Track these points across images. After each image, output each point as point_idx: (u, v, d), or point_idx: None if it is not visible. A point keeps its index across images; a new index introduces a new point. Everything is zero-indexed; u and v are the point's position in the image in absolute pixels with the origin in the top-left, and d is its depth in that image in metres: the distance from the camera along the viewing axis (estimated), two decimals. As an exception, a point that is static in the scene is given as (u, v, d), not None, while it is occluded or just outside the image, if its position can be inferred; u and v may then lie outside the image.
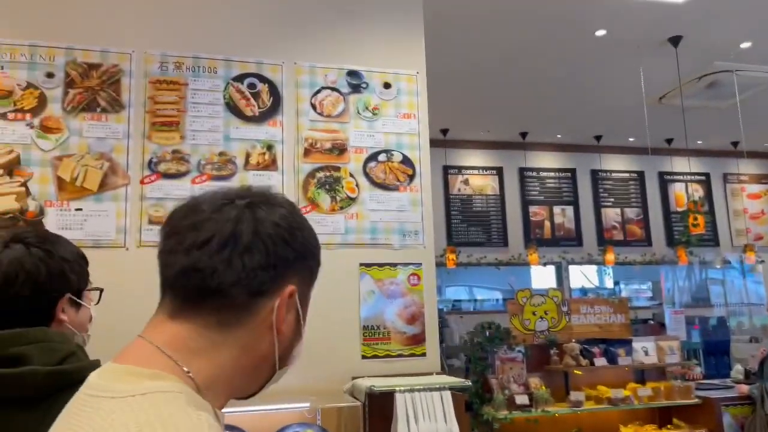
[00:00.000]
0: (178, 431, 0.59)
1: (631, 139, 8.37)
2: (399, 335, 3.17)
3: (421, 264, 3.28)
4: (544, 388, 4.57)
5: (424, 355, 3.19)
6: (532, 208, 8.38)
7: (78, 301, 1.26)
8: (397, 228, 3.28)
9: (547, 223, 8.41)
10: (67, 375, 1.08)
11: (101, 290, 1.42)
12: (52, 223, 2.83)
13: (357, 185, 3.26)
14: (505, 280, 8.62)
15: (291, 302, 0.76)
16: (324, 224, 3.18)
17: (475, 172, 8.29)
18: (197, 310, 0.70)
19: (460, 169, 8.21)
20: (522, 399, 4.35)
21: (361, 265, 3.19)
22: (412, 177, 3.35)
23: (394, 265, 3.24)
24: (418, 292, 3.24)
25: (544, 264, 8.18)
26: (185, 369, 0.67)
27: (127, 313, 2.84)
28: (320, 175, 3.22)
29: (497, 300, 8.55)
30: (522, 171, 8.45)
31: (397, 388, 2.66)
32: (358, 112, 3.34)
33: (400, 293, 3.21)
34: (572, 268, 8.45)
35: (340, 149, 3.27)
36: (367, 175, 3.29)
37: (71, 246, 1.27)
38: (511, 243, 8.21)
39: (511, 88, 6.42)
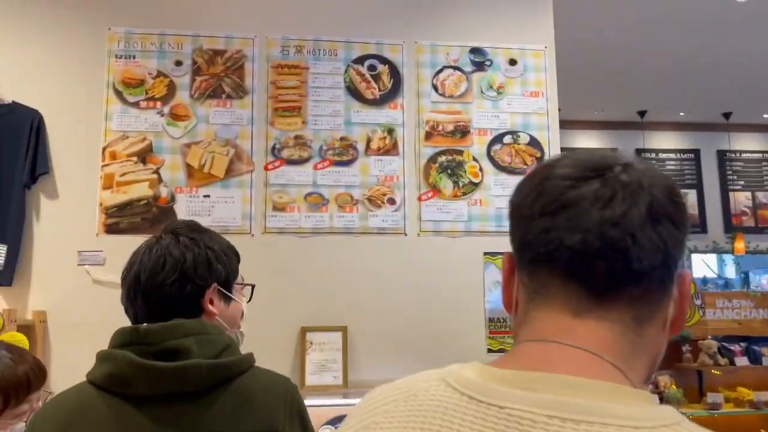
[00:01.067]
0: None
1: (765, 116, 7.58)
2: (527, 328, 2.99)
3: (550, 253, 3.06)
4: (675, 387, 4.23)
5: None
6: (651, 193, 7.82)
7: (227, 293, 1.21)
8: (524, 215, 3.08)
9: (667, 209, 7.83)
10: (226, 369, 1.04)
11: (253, 286, 1.36)
12: (182, 209, 2.88)
13: (480, 169, 3.10)
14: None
15: (686, 291, 0.59)
16: (446, 211, 3.04)
17: (588, 154, 7.83)
18: (612, 306, 0.55)
19: (571, 151, 7.79)
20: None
21: (486, 254, 3.03)
22: (540, 160, 3.14)
23: (521, 254, 3.04)
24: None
25: (664, 252, 7.62)
26: (632, 384, 0.53)
27: (254, 298, 2.85)
28: (442, 159, 3.08)
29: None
30: (639, 152, 7.89)
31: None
32: (482, 92, 3.16)
33: (528, 284, 3.02)
34: (695, 257, 7.83)
35: (462, 132, 3.11)
36: (491, 158, 3.11)
37: (220, 238, 1.24)
38: (626, 229, 7.71)
39: (633, 62, 5.95)
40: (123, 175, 2.85)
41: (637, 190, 0.55)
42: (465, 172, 3.08)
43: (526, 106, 3.17)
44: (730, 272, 8.53)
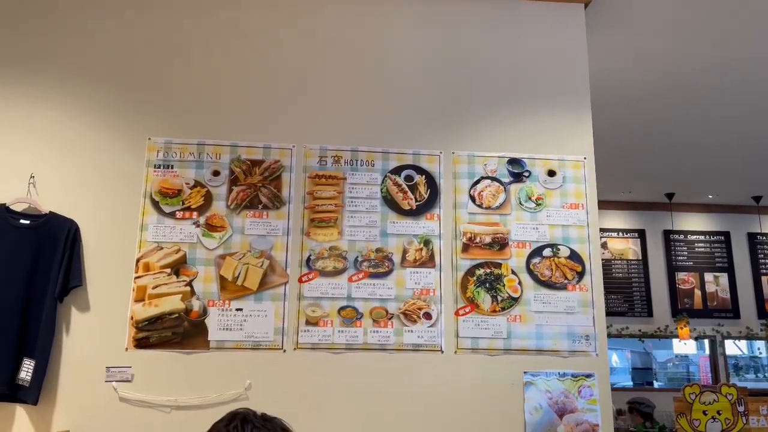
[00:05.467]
0: None
1: (797, 200, 7.45)
2: (570, 456, 2.82)
3: (593, 375, 2.93)
4: (720, 502, 3.97)
5: (599, 481, 2.81)
6: (680, 275, 7.65)
7: None
8: (566, 332, 2.96)
9: (698, 292, 7.63)
10: None
11: None
12: (213, 323, 2.80)
13: (520, 283, 3.00)
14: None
15: None
16: (485, 327, 2.93)
17: (615, 234, 7.72)
18: None
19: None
20: None
21: (526, 373, 2.90)
22: (581, 274, 3.04)
23: (563, 374, 2.91)
24: (591, 407, 2.89)
25: (696, 338, 7.39)
26: None
27: (284, 416, 2.74)
28: (480, 272, 3.00)
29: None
30: (667, 234, 7.77)
31: None
32: (520, 203, 3.10)
33: (571, 408, 2.88)
34: (728, 343, 7.57)
35: (501, 244, 3.04)
36: (530, 272, 3.02)
37: (283, 424, 1.46)
38: (656, 313, 7.50)
39: (662, 149, 5.92)
40: (156, 287, 2.80)
41: None
42: (504, 286, 2.99)
43: (566, 218, 3.10)
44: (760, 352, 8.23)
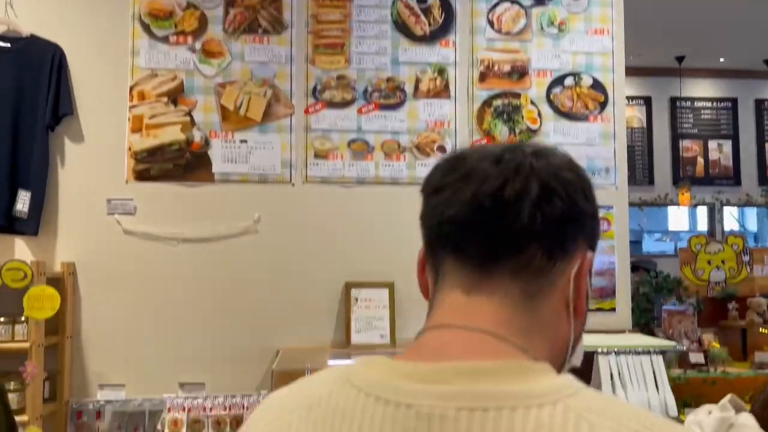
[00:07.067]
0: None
1: (810, 63, 7.18)
2: (585, 287, 2.80)
3: (612, 207, 2.85)
4: (718, 345, 4.08)
5: (613, 310, 2.81)
6: (684, 143, 7.52)
7: None
8: (585, 165, 2.84)
9: (701, 160, 7.54)
10: None
11: None
12: (217, 155, 2.65)
13: (539, 114, 2.84)
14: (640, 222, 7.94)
15: (585, 272, 0.59)
16: (501, 159, 2.80)
17: (620, 102, 7.50)
18: (496, 279, 0.56)
19: (603, 98, 7.46)
20: (697, 357, 3.89)
21: (543, 206, 2.81)
22: (603, 105, 2.88)
23: (581, 207, 2.82)
24: (607, 239, 2.83)
25: (695, 205, 7.39)
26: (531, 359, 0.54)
27: (294, 251, 2.66)
28: (497, 102, 2.82)
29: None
30: (674, 101, 7.54)
31: (599, 349, 2.32)
32: (542, 28, 2.87)
33: (588, 239, 2.81)
34: (726, 216, 7.60)
35: (520, 72, 2.84)
36: (551, 102, 2.85)
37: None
38: (657, 181, 7.45)
39: (675, 4, 5.57)
40: (153, 117, 2.62)
41: (524, 171, 0.56)
42: (522, 117, 2.83)
43: (590, 44, 2.88)
44: (752, 225, 8.32)
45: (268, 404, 0.59)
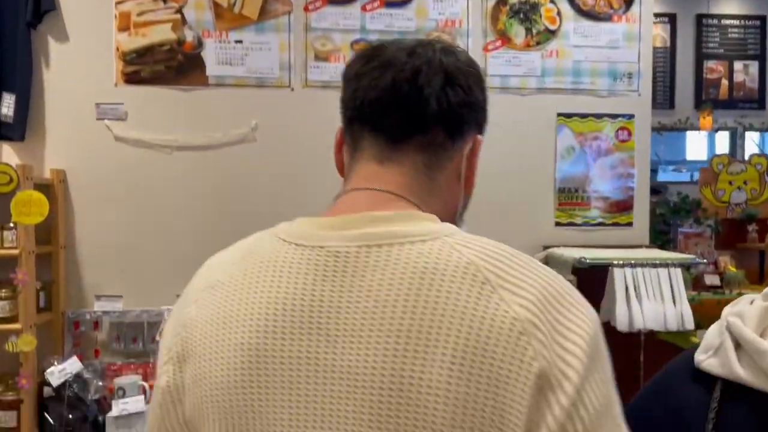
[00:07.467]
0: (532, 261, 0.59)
1: None
2: (601, 200, 2.66)
3: (633, 116, 2.67)
4: (734, 269, 3.97)
5: (630, 224, 2.68)
6: (709, 64, 7.16)
7: None
8: (607, 69, 2.64)
9: (725, 82, 7.20)
10: None
11: None
12: (211, 56, 2.48)
13: (558, 13, 2.62)
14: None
15: (477, 151, 0.71)
16: (516, 63, 2.61)
17: (643, 19, 7.10)
18: (405, 152, 0.67)
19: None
20: (712, 279, 3.80)
21: (560, 115, 2.63)
22: (629, 3, 2.64)
23: (600, 116, 2.65)
24: (627, 150, 2.66)
25: (716, 130, 7.12)
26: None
27: (293, 157, 2.53)
28: (513, 0, 2.60)
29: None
30: (700, 18, 7.13)
31: (615, 261, 2.20)
32: None
33: (606, 150, 2.65)
34: (747, 136, 7.32)
35: (539, -33, 2.60)
36: (571, 0, 2.62)
37: None
38: (678, 105, 7.15)
39: None
40: (141, 14, 2.43)
41: (434, 64, 0.66)
42: (540, 17, 2.61)
43: (618, -65, 2.62)
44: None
45: (209, 263, 0.70)
